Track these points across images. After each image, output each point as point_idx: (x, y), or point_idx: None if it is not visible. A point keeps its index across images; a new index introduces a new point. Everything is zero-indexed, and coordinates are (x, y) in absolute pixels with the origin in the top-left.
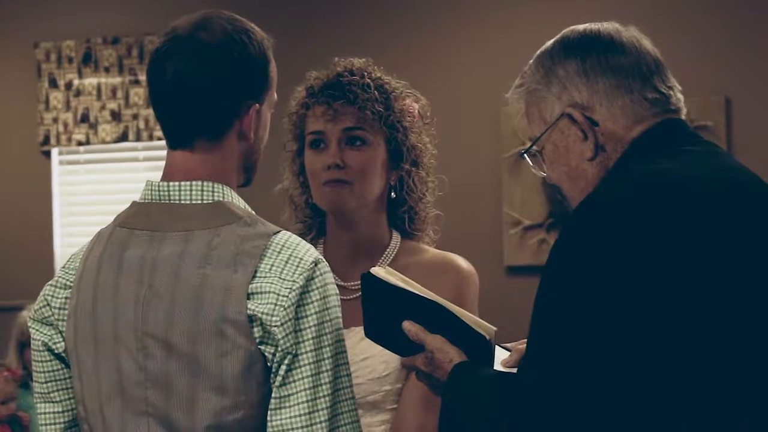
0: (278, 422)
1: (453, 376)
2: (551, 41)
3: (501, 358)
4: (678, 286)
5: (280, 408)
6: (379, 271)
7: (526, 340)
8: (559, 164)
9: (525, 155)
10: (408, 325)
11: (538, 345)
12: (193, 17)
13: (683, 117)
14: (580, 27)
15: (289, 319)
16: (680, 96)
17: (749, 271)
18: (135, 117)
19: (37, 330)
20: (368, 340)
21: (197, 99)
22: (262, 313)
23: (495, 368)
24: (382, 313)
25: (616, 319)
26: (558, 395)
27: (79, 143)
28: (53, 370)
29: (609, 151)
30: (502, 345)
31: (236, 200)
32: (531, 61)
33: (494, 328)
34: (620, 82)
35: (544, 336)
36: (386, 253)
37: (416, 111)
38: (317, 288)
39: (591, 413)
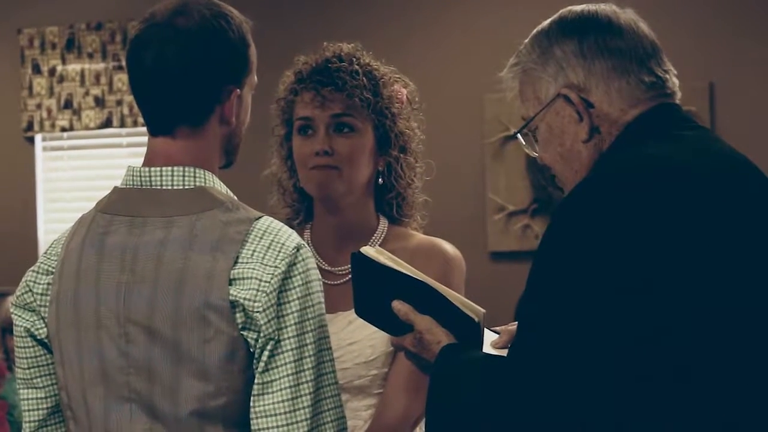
0: (261, 408)
1: (441, 357)
2: (548, 21)
3: (490, 339)
4: (670, 272)
5: (263, 394)
6: (369, 250)
7: (515, 322)
8: (553, 145)
9: (518, 135)
10: (398, 305)
11: (529, 328)
12: (171, 3)
13: (678, 101)
14: (578, 8)
15: (272, 305)
16: (675, 80)
17: (742, 256)
18: (119, 103)
19: (20, 316)
20: (355, 324)
21: (177, 86)
22: (245, 298)
23: (485, 349)
24: (373, 292)
25: (608, 304)
26: (547, 378)
27: (63, 129)
28: (36, 356)
29: (604, 133)
30: (491, 328)
31: (218, 185)
32: (527, 40)
33: (483, 310)
34: (617, 64)
35: (535, 319)
36: (373, 238)
37: (404, 96)
38: (299, 273)
39: (579, 396)
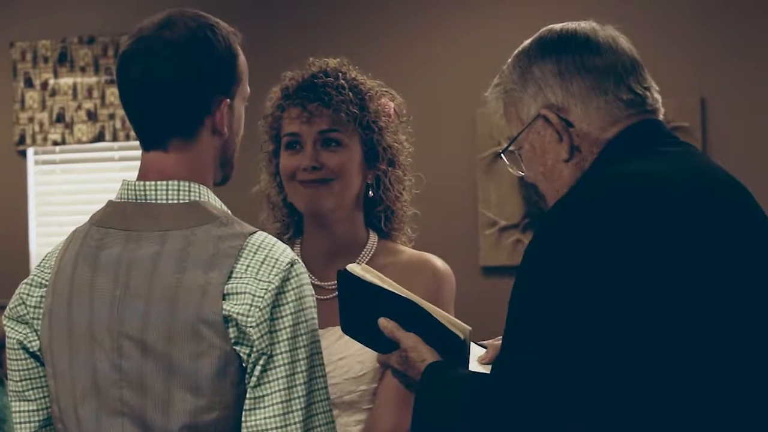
0: (253, 423)
1: (425, 375)
2: (529, 41)
3: (477, 355)
4: (651, 287)
5: (255, 409)
6: (355, 268)
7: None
8: (535, 164)
9: (502, 155)
10: (384, 322)
11: (511, 345)
12: (157, 17)
13: (660, 117)
14: (557, 26)
15: (265, 320)
16: (657, 96)
17: (722, 270)
18: (111, 117)
19: (12, 328)
20: (345, 339)
21: (166, 98)
22: (238, 313)
23: (471, 365)
24: (359, 309)
25: (588, 319)
26: (530, 394)
27: (55, 143)
28: (28, 369)
29: (585, 152)
30: (479, 342)
31: (213, 200)
32: (509, 60)
33: (469, 328)
34: (595, 83)
35: (517, 336)
36: (363, 253)
37: (392, 109)
38: (293, 289)
39: (562, 412)
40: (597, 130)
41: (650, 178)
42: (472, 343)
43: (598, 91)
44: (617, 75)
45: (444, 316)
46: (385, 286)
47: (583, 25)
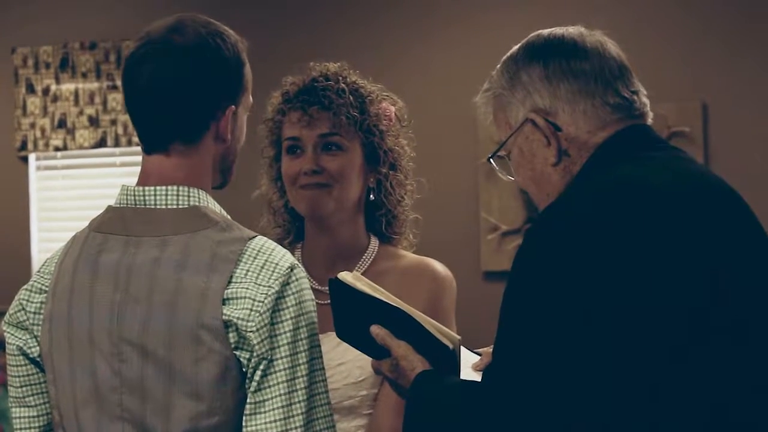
0: (253, 428)
1: (415, 385)
2: (517, 46)
3: (471, 362)
4: (639, 293)
5: (255, 413)
6: (346, 276)
7: None
8: (524, 169)
9: (491, 160)
10: (376, 329)
11: (501, 352)
12: (167, 21)
13: (649, 122)
14: (545, 32)
15: (265, 325)
16: (645, 101)
17: (711, 276)
18: (113, 122)
19: (12, 334)
20: (345, 345)
21: (172, 102)
22: (238, 318)
23: (464, 372)
24: (351, 316)
25: (579, 325)
26: (520, 401)
27: (57, 149)
28: (28, 375)
29: (573, 156)
30: (473, 350)
31: (212, 205)
32: (498, 65)
33: (458, 337)
34: (582, 88)
35: (507, 343)
36: (364, 257)
37: (393, 114)
38: (293, 293)
39: (553, 419)
40: (585, 134)
41: (640, 183)
42: (466, 350)
43: (585, 95)
44: (604, 79)
45: (434, 325)
46: (376, 295)
47: (571, 31)
